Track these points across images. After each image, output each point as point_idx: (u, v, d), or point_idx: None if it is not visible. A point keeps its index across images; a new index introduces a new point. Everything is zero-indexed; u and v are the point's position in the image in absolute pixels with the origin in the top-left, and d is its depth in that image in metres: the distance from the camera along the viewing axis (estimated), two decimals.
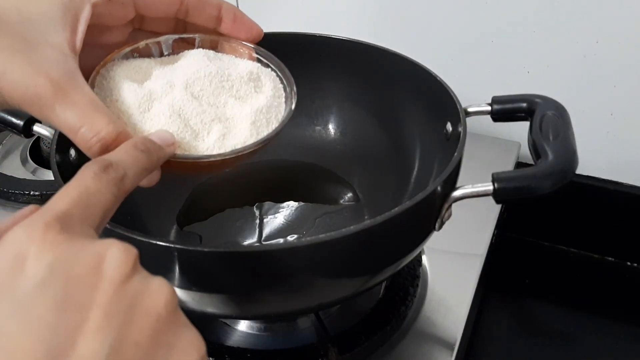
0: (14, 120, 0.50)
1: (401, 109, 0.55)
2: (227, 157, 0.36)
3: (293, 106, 0.40)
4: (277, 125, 0.38)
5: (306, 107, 0.57)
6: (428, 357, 0.49)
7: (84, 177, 0.26)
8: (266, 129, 0.38)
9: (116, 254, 0.23)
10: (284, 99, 0.40)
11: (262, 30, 0.42)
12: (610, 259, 0.71)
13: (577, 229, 0.72)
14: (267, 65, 0.42)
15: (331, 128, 0.60)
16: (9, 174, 0.70)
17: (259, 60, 0.42)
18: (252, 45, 0.42)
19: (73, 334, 0.21)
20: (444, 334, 0.51)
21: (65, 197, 0.25)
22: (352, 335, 0.49)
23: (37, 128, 0.51)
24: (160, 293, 0.23)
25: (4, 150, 0.76)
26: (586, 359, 0.60)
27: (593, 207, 0.71)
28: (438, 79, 0.49)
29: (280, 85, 0.41)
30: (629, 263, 0.70)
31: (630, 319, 0.65)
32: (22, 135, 0.51)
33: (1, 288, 0.21)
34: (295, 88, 0.40)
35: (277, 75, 0.41)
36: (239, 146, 0.37)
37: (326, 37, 0.56)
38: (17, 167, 0.72)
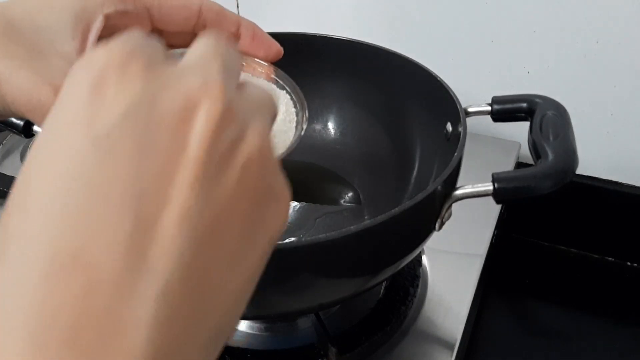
0: (14, 120, 0.50)
1: (401, 109, 0.55)
2: None
3: (302, 132, 0.39)
4: (283, 150, 0.37)
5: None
6: (428, 357, 0.49)
7: None
8: None
9: (214, 93, 0.19)
10: (294, 124, 0.39)
11: (281, 49, 0.40)
12: (610, 259, 0.71)
13: (577, 229, 0.72)
14: (283, 88, 0.41)
15: (331, 128, 0.60)
16: (9, 174, 0.70)
17: (275, 82, 0.41)
18: (270, 65, 0.41)
19: (164, 184, 0.18)
20: (444, 334, 0.51)
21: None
22: (352, 335, 0.49)
23: (37, 128, 0.51)
24: (255, 138, 0.20)
25: (4, 150, 0.76)
26: (586, 359, 0.60)
27: (593, 207, 0.71)
28: (438, 79, 0.49)
29: (293, 110, 0.40)
30: (629, 263, 0.70)
31: (630, 319, 0.64)
32: (23, 135, 0.51)
33: (78, 119, 0.18)
34: (307, 113, 0.40)
35: (291, 99, 0.40)
36: None
37: (326, 37, 0.56)
38: (17, 167, 0.72)
